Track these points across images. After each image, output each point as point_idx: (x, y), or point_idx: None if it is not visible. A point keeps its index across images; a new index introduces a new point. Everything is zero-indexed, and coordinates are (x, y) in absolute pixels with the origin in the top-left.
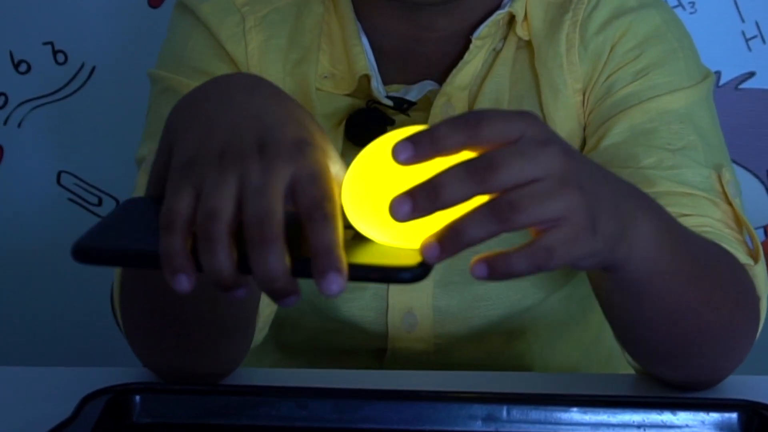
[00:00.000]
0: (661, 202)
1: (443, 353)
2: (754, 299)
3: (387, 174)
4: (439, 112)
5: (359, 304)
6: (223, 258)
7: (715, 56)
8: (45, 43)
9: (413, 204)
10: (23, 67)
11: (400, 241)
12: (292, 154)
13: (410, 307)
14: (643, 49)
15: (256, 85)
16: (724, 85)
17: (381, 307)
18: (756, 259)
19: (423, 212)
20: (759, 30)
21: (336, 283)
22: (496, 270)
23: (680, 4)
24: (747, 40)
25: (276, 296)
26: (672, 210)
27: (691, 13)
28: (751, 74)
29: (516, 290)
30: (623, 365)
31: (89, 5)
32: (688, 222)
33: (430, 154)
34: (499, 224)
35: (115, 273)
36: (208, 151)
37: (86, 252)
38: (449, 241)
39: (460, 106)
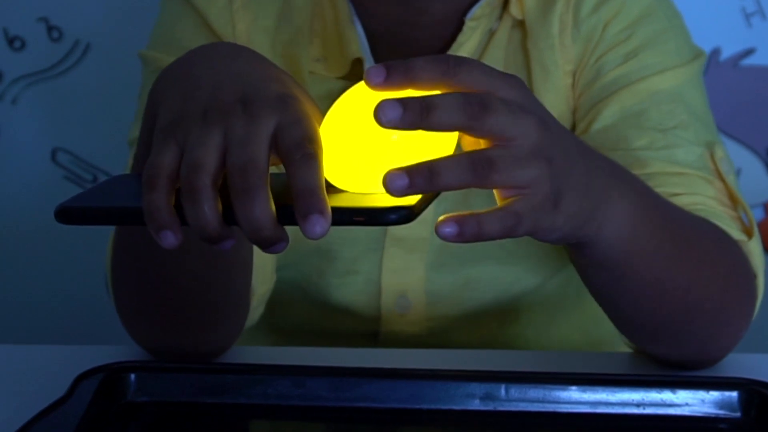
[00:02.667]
0: (654, 182)
1: (436, 336)
2: (747, 276)
3: (359, 123)
4: None
5: (352, 288)
6: (208, 209)
7: (715, 33)
8: (39, 20)
9: (410, 182)
10: (17, 44)
11: (370, 189)
12: (275, 105)
13: (403, 290)
14: (634, 29)
15: (239, 50)
16: (724, 61)
17: (373, 290)
18: (750, 235)
19: (417, 191)
20: (759, 5)
21: (319, 224)
22: (465, 230)
23: None
24: (747, 16)
25: (263, 245)
26: (664, 190)
27: None
28: (751, 51)
29: (508, 273)
30: (624, 347)
31: None
32: (680, 201)
33: (403, 81)
34: (474, 177)
35: (107, 251)
36: (192, 110)
37: (69, 212)
38: (420, 178)
39: None
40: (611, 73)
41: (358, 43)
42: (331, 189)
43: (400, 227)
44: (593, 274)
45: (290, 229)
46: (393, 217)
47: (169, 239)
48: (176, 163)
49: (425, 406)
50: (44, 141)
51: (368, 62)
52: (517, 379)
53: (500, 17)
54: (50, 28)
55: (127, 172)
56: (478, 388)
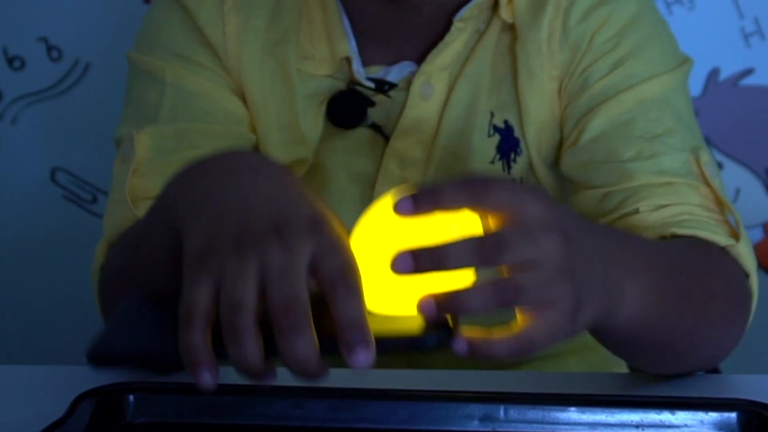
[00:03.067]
0: (641, 195)
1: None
2: (742, 286)
3: (386, 246)
4: (418, 91)
5: None
6: (251, 349)
7: (714, 52)
8: (39, 39)
9: (415, 262)
10: (17, 63)
11: (398, 310)
12: (309, 231)
13: None
14: (621, 38)
15: (260, 164)
16: (723, 81)
17: None
18: (737, 238)
19: (422, 270)
20: (758, 26)
21: (364, 356)
22: (476, 352)
23: (679, 1)
24: (746, 36)
25: (306, 377)
26: (652, 201)
27: (690, 9)
28: (750, 71)
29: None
30: (624, 367)
31: (83, 1)
32: (667, 212)
33: (430, 208)
34: (500, 304)
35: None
36: (223, 239)
37: (102, 357)
38: (447, 305)
39: (439, 86)
40: (599, 83)
41: (347, 42)
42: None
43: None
44: (606, 343)
45: None
46: (433, 342)
47: (207, 380)
48: (212, 300)
49: (424, 427)
50: (44, 161)
51: (355, 62)
52: (516, 400)
53: (489, 20)
54: (50, 48)
55: (115, 169)
56: (476, 409)
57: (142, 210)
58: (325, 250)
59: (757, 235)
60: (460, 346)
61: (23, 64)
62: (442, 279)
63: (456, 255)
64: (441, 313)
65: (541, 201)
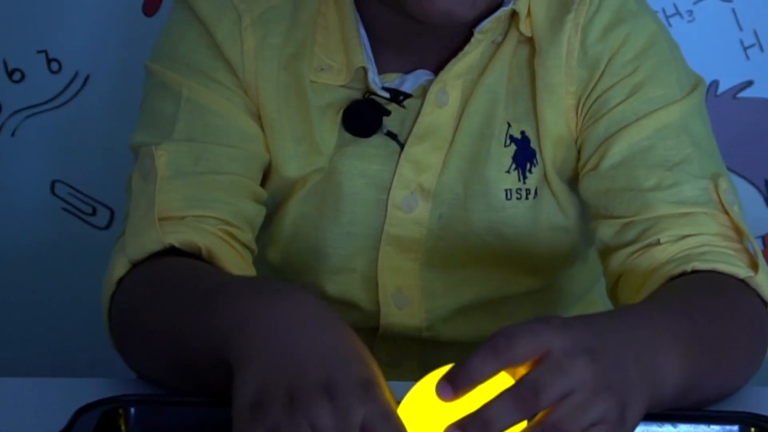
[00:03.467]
0: (662, 226)
1: (435, 329)
2: (762, 316)
3: (434, 412)
4: (433, 99)
5: (348, 284)
6: None
7: (713, 65)
8: (39, 52)
9: None
10: (17, 76)
11: None
12: (360, 396)
13: (399, 287)
14: (640, 62)
15: (317, 315)
16: (722, 93)
17: (371, 286)
18: (756, 268)
19: None
20: (757, 38)
21: None
22: None
23: (678, 13)
24: (745, 49)
25: None
26: (672, 232)
27: (689, 21)
28: (750, 83)
29: (500, 273)
30: None
31: (83, 14)
32: (688, 243)
33: (470, 387)
34: None
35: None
36: (276, 392)
37: None
38: None
39: (453, 94)
40: (618, 108)
41: (362, 53)
42: None
43: (395, 226)
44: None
45: (286, 229)
46: None
47: None
48: None
49: None
50: (43, 173)
51: (372, 72)
52: None
53: (506, 31)
54: (50, 60)
55: (135, 184)
56: None
57: (163, 232)
58: (377, 417)
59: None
60: None
61: (23, 77)
62: None
63: (500, 416)
64: None
65: (559, 329)
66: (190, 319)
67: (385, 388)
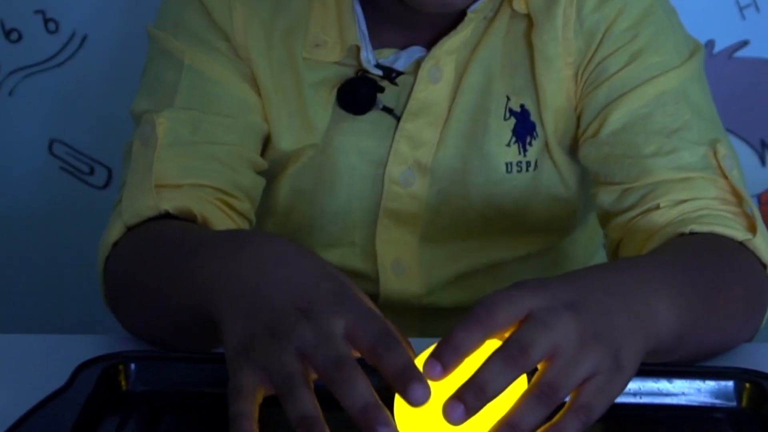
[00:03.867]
0: (661, 191)
1: (434, 295)
2: (761, 277)
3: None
4: (426, 75)
5: (348, 255)
6: (307, 400)
7: (709, 25)
8: (36, 12)
9: (464, 405)
10: (14, 36)
11: None
12: (336, 305)
13: (397, 258)
14: (638, 30)
15: (282, 252)
16: (718, 53)
17: (369, 258)
18: (755, 231)
19: (474, 411)
20: None
21: (422, 390)
22: None
23: None
24: (741, 9)
25: (373, 425)
26: (671, 197)
27: None
28: (745, 43)
29: (498, 243)
30: None
31: None
32: (686, 207)
33: (458, 361)
34: (547, 406)
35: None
36: (257, 330)
37: None
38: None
39: (447, 70)
40: (617, 75)
41: (356, 30)
42: None
43: (393, 201)
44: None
45: (281, 202)
46: None
47: None
48: (259, 382)
49: None
50: (41, 132)
51: (365, 50)
52: None
53: (497, 7)
54: (47, 21)
55: (135, 150)
56: None
57: (159, 198)
58: (357, 320)
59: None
60: None
61: (20, 37)
62: (490, 417)
63: (492, 378)
64: None
65: (537, 289)
66: (177, 279)
67: (361, 294)
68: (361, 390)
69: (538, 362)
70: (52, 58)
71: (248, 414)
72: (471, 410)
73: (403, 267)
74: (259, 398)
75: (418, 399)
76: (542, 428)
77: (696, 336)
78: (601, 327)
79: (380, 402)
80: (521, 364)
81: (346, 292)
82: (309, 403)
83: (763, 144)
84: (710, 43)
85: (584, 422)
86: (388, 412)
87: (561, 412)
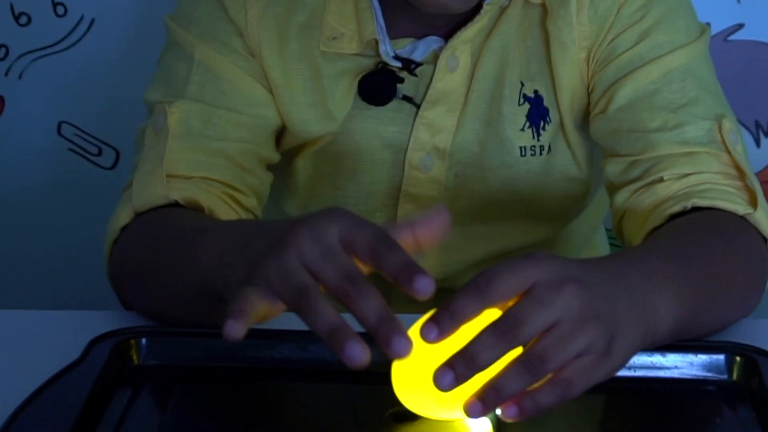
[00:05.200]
0: (665, 164)
1: (449, 281)
2: (761, 251)
3: (426, 354)
4: (444, 64)
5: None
6: (325, 309)
7: (705, 8)
8: None
9: (454, 373)
10: (23, 20)
11: (451, 411)
12: (330, 218)
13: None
14: (647, 10)
15: (280, 221)
16: (713, 37)
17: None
18: (755, 205)
19: (464, 379)
20: None
21: (425, 282)
22: (524, 410)
23: None
24: None
25: (386, 336)
26: (675, 170)
27: None
28: (740, 26)
29: (516, 227)
30: None
31: None
32: (690, 181)
33: (454, 327)
34: (533, 375)
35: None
36: (259, 257)
37: None
38: (491, 398)
39: (463, 58)
40: (626, 54)
41: (374, 23)
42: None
43: (413, 185)
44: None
45: (302, 185)
46: None
47: (235, 326)
48: (264, 299)
49: None
50: (50, 114)
51: (383, 43)
52: None
53: None
54: (55, 4)
55: (147, 138)
56: None
57: (170, 188)
58: (352, 228)
59: None
60: (509, 411)
61: (29, 20)
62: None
63: (484, 351)
64: (488, 410)
65: (543, 263)
66: (185, 260)
67: (355, 214)
68: (376, 302)
69: (532, 338)
70: (60, 42)
71: (249, 295)
72: (460, 378)
73: (422, 251)
74: (263, 311)
75: (422, 291)
76: (519, 396)
77: (695, 326)
78: (603, 310)
79: (394, 314)
80: (512, 339)
81: (340, 210)
82: (333, 313)
83: (757, 125)
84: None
85: (561, 396)
86: (403, 324)
87: (541, 382)
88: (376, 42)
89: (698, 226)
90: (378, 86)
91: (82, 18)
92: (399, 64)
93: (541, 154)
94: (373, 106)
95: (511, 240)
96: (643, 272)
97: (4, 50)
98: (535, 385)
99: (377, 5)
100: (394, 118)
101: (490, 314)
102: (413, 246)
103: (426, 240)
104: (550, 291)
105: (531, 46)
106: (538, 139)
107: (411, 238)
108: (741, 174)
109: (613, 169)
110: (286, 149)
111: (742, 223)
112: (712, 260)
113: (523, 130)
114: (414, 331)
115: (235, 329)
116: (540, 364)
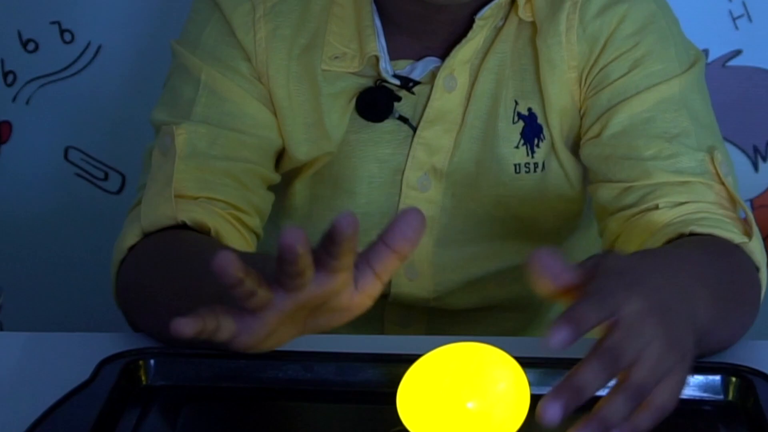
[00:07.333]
0: (660, 192)
1: (441, 300)
2: (755, 280)
3: (431, 379)
4: (442, 84)
5: None
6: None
7: (703, 35)
8: (52, 23)
9: (564, 405)
10: (31, 46)
11: None
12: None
13: (411, 261)
14: (641, 37)
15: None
16: (712, 62)
17: None
18: (750, 235)
19: (570, 410)
20: (746, 9)
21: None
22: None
23: None
24: (734, 19)
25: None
26: (670, 199)
27: None
28: (738, 52)
29: (511, 247)
30: None
31: None
32: (685, 209)
33: (577, 403)
34: (636, 405)
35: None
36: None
37: None
38: (593, 425)
39: (461, 78)
40: (619, 81)
41: (376, 41)
42: None
43: (409, 205)
44: None
45: (299, 207)
46: None
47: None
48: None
49: None
50: (57, 140)
51: (383, 60)
52: None
53: (506, 16)
54: (63, 31)
55: (154, 159)
56: None
57: (178, 210)
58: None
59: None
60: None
61: (37, 47)
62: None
63: (594, 382)
64: None
65: (628, 294)
66: (191, 287)
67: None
68: None
69: (626, 368)
70: (67, 68)
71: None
72: (568, 409)
73: (416, 271)
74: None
75: (344, 224)
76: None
77: (711, 335)
78: (679, 333)
79: None
80: (615, 370)
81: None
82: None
83: (755, 150)
84: (704, 53)
85: (660, 418)
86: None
87: (638, 413)
88: (377, 60)
89: (706, 245)
90: (376, 102)
91: (89, 44)
92: (398, 82)
93: (535, 171)
94: (370, 127)
95: (505, 259)
96: (689, 279)
97: (12, 76)
98: (637, 416)
99: (380, 25)
100: (392, 139)
101: (502, 357)
102: (396, 258)
103: (403, 247)
104: (638, 320)
105: (525, 64)
106: (533, 156)
107: (389, 252)
108: (734, 204)
109: (605, 194)
110: (284, 171)
111: (738, 250)
112: (727, 274)
113: (517, 147)
114: (425, 364)
115: (183, 324)
116: (644, 394)
